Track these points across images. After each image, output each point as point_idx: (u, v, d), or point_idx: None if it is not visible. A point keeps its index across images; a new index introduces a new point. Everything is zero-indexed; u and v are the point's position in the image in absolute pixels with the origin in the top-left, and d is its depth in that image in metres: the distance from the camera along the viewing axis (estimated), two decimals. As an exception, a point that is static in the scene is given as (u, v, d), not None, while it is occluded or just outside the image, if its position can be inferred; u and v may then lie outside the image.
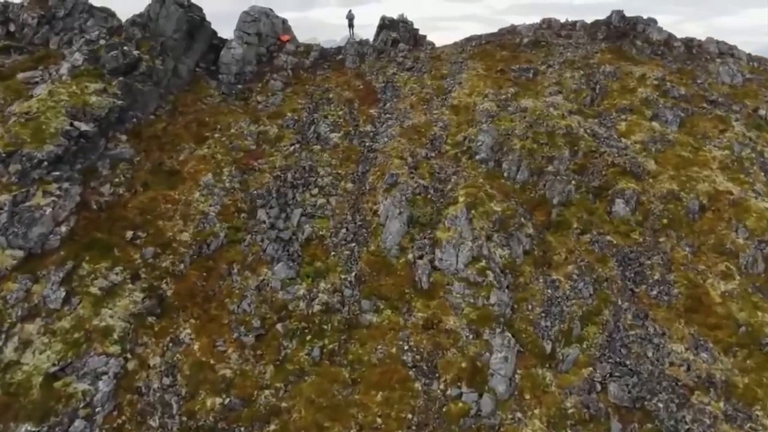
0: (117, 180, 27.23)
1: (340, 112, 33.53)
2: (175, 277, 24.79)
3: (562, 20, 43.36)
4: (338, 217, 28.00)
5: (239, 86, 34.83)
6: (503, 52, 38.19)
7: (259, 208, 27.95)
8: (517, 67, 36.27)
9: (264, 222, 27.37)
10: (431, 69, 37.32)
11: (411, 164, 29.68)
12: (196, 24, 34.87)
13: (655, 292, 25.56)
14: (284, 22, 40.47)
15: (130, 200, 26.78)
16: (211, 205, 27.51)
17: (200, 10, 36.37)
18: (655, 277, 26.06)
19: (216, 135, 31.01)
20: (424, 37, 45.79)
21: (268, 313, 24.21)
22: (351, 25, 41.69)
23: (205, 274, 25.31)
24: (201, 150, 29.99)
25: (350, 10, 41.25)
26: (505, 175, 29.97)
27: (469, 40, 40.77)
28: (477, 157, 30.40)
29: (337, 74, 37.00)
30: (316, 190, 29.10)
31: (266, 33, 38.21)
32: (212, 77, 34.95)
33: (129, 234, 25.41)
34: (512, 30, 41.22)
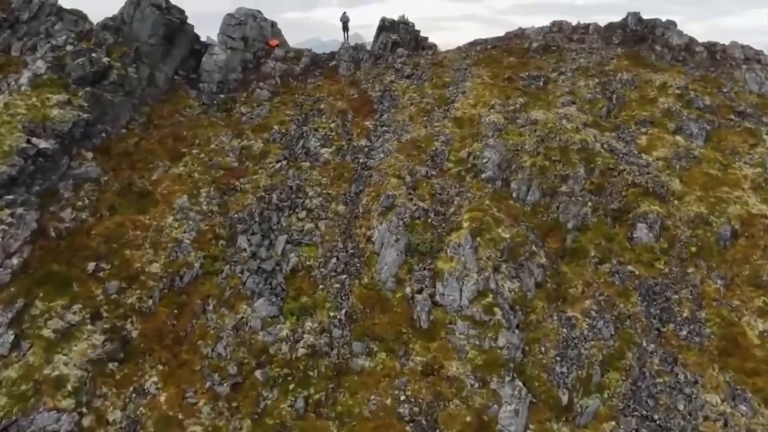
0: (80, 203, 24.88)
1: (332, 125, 31.16)
2: (141, 316, 22.41)
3: (574, 23, 41.00)
4: (328, 245, 25.59)
5: (222, 96, 32.50)
6: (510, 57, 35.82)
7: (239, 234, 25.55)
8: (526, 75, 33.89)
9: (245, 250, 24.98)
10: (432, 76, 34.97)
11: (409, 184, 27.28)
12: (175, 27, 32.54)
13: (684, 332, 23.11)
14: (273, 25, 38.17)
15: (94, 226, 24.41)
16: (185, 231, 25.13)
17: (181, 12, 34.07)
18: (684, 315, 23.61)
19: (194, 151, 28.66)
20: (426, 38, 44.93)
21: (246, 357, 21.78)
22: (345, 29, 39.35)
23: (176, 311, 22.92)
24: (176, 168, 27.63)
25: (345, 13, 38.92)
26: (514, 195, 27.58)
27: (473, 44, 38.42)
28: (483, 175, 28.02)
29: (330, 82, 34.64)
30: (303, 213, 26.70)
31: (253, 37, 35.90)
32: (192, 86, 32.62)
33: (91, 266, 23.05)
34: (520, 34, 38.86)
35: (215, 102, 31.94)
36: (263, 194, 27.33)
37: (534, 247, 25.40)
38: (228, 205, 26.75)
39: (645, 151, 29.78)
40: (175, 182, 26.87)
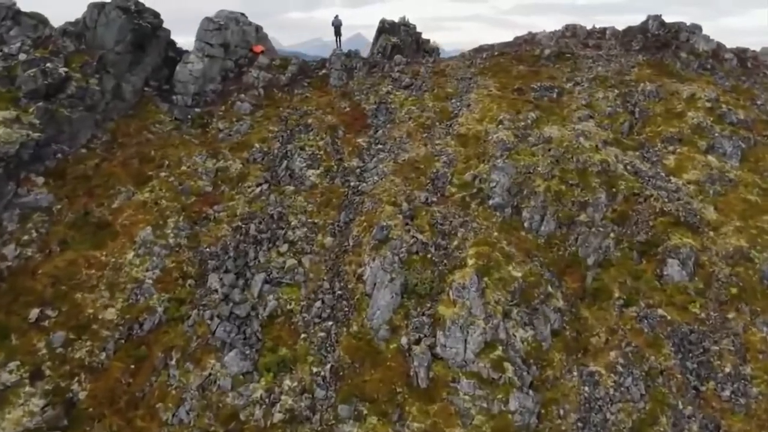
0: (26, 237, 22.08)
1: (321, 143, 28.33)
2: (91, 373, 19.59)
3: (588, 26, 38.22)
4: (312, 284, 22.72)
5: (197, 110, 29.72)
6: (520, 66, 32.97)
7: (210, 271, 22.74)
8: (538, 86, 31.02)
9: (216, 291, 22.16)
10: (433, 87, 32.14)
11: (407, 212, 24.39)
12: (146, 33, 29.77)
13: (727, 392, 20.17)
14: (258, 29, 35.38)
15: (41, 265, 21.60)
16: (148, 270, 22.32)
17: (155, 15, 31.34)
18: (726, 370, 20.67)
19: (162, 174, 25.84)
20: (428, 41, 43.86)
21: (212, 424, 18.92)
22: (338, 33, 36.56)
23: (132, 366, 20.09)
24: (141, 194, 24.82)
25: (336, 16, 36.13)
26: (526, 225, 24.70)
27: (478, 50, 35.61)
28: (490, 202, 25.15)
29: (319, 93, 31.83)
30: (285, 247, 23.83)
31: (235, 43, 33.11)
32: (164, 99, 29.84)
33: (34, 313, 20.26)
34: (530, 39, 36.04)
35: (189, 117, 29.13)
36: (240, 224, 24.48)
37: (550, 288, 22.51)
38: (199, 237, 23.91)
39: (674, 174, 26.89)
40: (138, 211, 24.04)
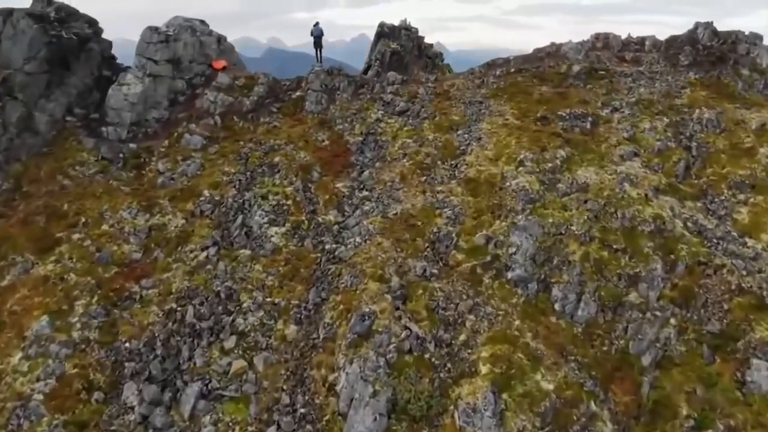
0: None
1: (289, 189, 22.94)
2: None
3: (623, 35, 32.81)
4: (266, 398, 17.26)
5: (132, 146, 24.38)
6: (543, 86, 27.53)
7: (127, 380, 17.32)
8: (566, 113, 25.54)
9: (132, 410, 16.63)
10: (435, 113, 26.74)
11: (397, 291, 18.94)
12: (71, 47, 24.51)
13: None
14: (221, 39, 30.06)
15: None
16: (39, 380, 16.88)
17: (90, 22, 26.16)
18: None
19: (75, 236, 20.48)
20: (431, 45, 41.75)
21: None
22: (318, 45, 31.11)
23: None
24: (43, 265, 19.47)
25: (317, 24, 30.68)
26: (558, 308, 19.20)
27: (491, 66, 30.21)
28: (509, 274, 19.71)
29: (291, 122, 26.46)
30: (232, 341, 18.40)
31: (189, 58, 27.79)
32: (92, 131, 24.56)
33: None
34: (554, 51, 30.60)
35: (121, 155, 23.80)
36: (174, 306, 19.08)
37: (593, 405, 16.94)
38: (116, 327, 18.52)
39: (749, 233, 21.37)
40: (36, 290, 18.65)
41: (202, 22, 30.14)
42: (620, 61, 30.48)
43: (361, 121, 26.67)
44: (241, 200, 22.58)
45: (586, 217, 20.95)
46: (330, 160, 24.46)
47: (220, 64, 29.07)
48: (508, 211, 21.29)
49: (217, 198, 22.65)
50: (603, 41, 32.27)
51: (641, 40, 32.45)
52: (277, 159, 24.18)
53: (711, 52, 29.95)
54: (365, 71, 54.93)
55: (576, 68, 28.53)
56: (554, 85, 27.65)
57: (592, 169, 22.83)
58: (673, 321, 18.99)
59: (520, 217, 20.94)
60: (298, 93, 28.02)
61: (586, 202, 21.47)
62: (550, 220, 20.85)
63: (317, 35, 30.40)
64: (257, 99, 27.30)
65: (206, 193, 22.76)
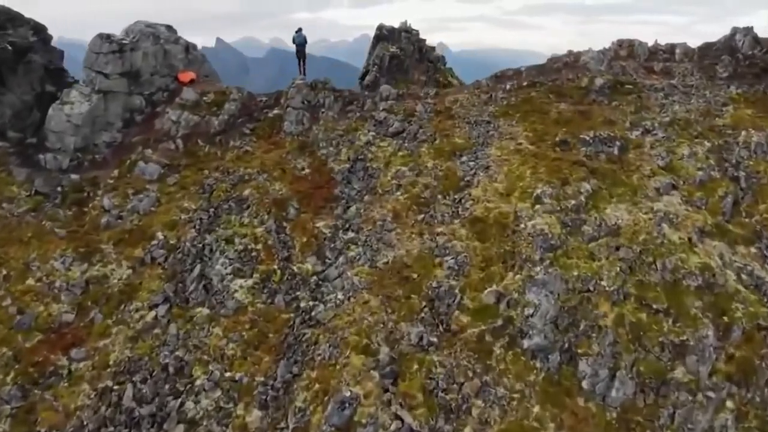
0: None
1: (259, 230, 19.54)
2: None
3: (650, 42, 29.35)
4: None
5: (74, 176, 20.92)
6: (561, 103, 24.10)
7: (40, 488, 13.68)
8: (590, 136, 22.07)
9: None
10: (435, 134, 23.33)
11: (386, 366, 15.54)
12: (6, 59, 20.96)
13: None
14: (190, 48, 26.70)
15: None
16: (-75, 491, 13.34)
17: (36, 29, 22.75)
18: None
19: (-8, 293, 16.88)
20: (432, 48, 39.75)
21: None
22: (301, 55, 27.66)
23: None
24: (-52, 333, 15.86)
25: (299, 31, 27.23)
26: (587, 387, 15.81)
27: (500, 78, 26.80)
28: (525, 343, 16.36)
29: (267, 145, 23.07)
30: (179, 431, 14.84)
31: (150, 70, 24.46)
32: (26, 160, 21.18)
33: None
34: (572, 61, 27.16)
35: (60, 188, 20.42)
36: (110, 385, 15.59)
37: None
38: (35, 413, 14.95)
39: (817, 287, 17.78)
40: (-66, 368, 15.11)
41: (169, 27, 26.80)
42: (648, 73, 27.03)
43: (348, 145, 23.25)
44: (200, 245, 19.15)
45: (618, 269, 17.51)
46: (310, 193, 21.03)
47: (188, 76, 25.70)
48: (524, 260, 17.82)
49: (172, 241, 19.23)
50: (627, 49, 28.83)
51: (670, 48, 29.00)
52: (246, 192, 20.75)
53: (753, 63, 26.48)
54: (363, 76, 51.65)
55: (599, 81, 25.05)
56: (574, 102, 24.18)
57: (624, 207, 19.36)
58: (729, 404, 15.60)
59: (538, 268, 17.49)
60: (275, 111, 24.60)
61: (617, 249, 18.02)
62: (575, 273, 17.39)
63: (299, 43, 26.90)
64: (228, 118, 23.88)
65: (160, 235, 19.35)
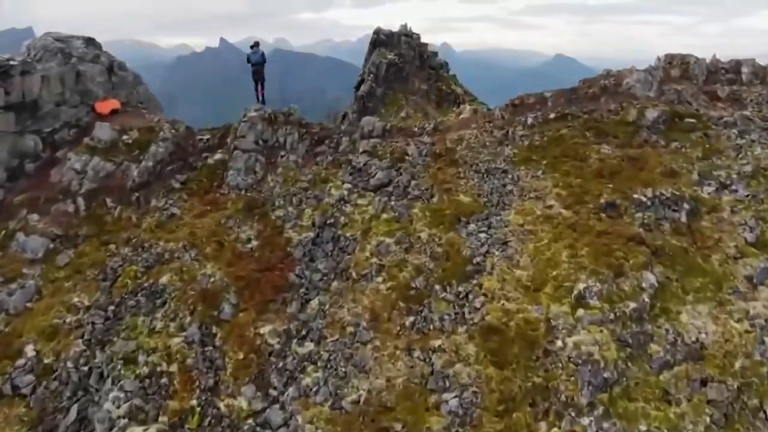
0: None
1: (175, 340, 14.03)
2: None
3: (707, 58, 23.70)
4: None
5: None
6: (603, 144, 18.43)
7: None
8: (647, 196, 16.44)
9: None
10: (432, 188, 17.77)
11: None
12: None
13: None
14: (116, 67, 21.08)
15: None
16: None
17: None
18: None
19: None
20: (435, 54, 38.27)
21: None
22: (258, 78, 21.68)
23: None
24: None
25: (255, 46, 21.32)
26: None
27: (517, 108, 21.13)
28: None
29: (202, 205, 17.43)
30: None
31: (54, 99, 18.88)
32: None
33: None
34: (612, 85, 21.42)
35: None
36: None
37: None
38: None
39: None
40: None
41: (89, 41, 21.27)
42: (711, 100, 21.36)
43: (314, 203, 17.59)
44: (86, 366, 13.46)
45: (708, 420, 11.76)
46: (256, 279, 15.35)
47: (108, 106, 20.14)
48: (563, 403, 12.10)
49: (47, 360, 13.60)
50: (680, 68, 23.13)
51: (735, 66, 23.34)
52: (164, 279, 15.10)
53: None
54: (358, 86, 46.26)
55: (651, 114, 19.33)
56: (621, 144, 18.46)
57: (705, 310, 13.69)
58: None
59: (585, 419, 11.75)
60: (218, 155, 18.90)
61: (703, 383, 12.36)
62: (643, 429, 11.62)
63: (256, 62, 21.07)
64: (153, 166, 18.20)
65: (30, 350, 13.70)
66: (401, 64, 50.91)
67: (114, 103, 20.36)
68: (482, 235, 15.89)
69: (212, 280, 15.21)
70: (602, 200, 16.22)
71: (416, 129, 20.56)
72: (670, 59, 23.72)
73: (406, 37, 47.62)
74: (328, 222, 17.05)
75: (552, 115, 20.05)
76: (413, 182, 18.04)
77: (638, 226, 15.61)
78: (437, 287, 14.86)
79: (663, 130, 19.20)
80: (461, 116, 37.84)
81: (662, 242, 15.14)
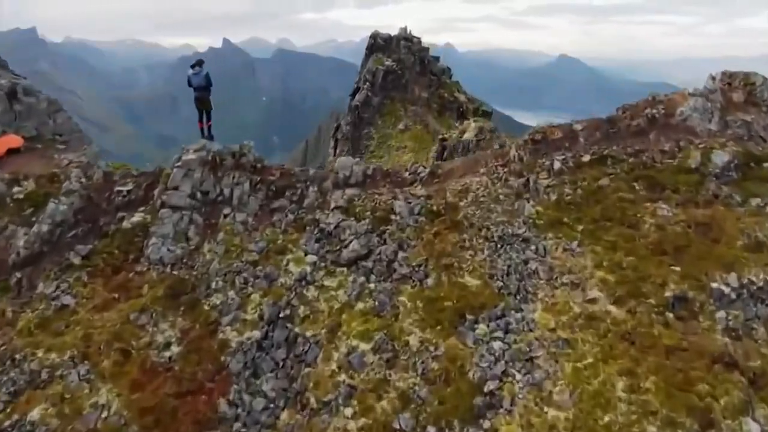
0: None
1: None
2: None
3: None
4: None
5: None
6: (659, 202, 13.93)
7: None
8: (730, 286, 11.74)
9: None
10: (425, 264, 13.23)
11: None
12: None
13: None
14: (21, 92, 16.68)
15: None
16: None
17: None
18: None
19: None
20: (437, 59, 39.00)
21: None
22: (202, 106, 17.00)
23: None
24: None
25: (197, 65, 16.67)
26: None
27: (538, 145, 16.51)
28: None
29: (107, 292, 12.88)
30: None
31: None
32: None
33: None
34: (663, 115, 16.79)
35: None
36: None
37: None
38: None
39: None
40: None
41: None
42: (789, 135, 16.74)
43: (264, 285, 13.04)
44: None
45: None
46: (170, 412, 10.81)
47: (3, 145, 15.55)
48: None
49: None
50: (742, 90, 18.49)
51: (812, 87, 18.66)
52: (35, 414, 10.54)
53: None
54: (353, 94, 42.07)
55: (720, 158, 14.76)
56: (682, 200, 13.89)
57: (841, 484, 9.04)
58: None
59: None
60: (139, 214, 14.28)
61: None
62: None
63: (199, 86, 16.49)
64: (49, 231, 13.61)
65: None
66: (400, 70, 46.68)
67: (13, 140, 15.89)
68: (497, 344, 11.32)
69: (105, 415, 10.66)
70: (667, 292, 11.65)
71: (407, 174, 15.97)
72: (729, 79, 19.08)
73: (406, 41, 43.39)
74: (282, 315, 12.49)
75: (586, 158, 15.45)
76: (401, 254, 13.48)
77: (721, 332, 11.05)
78: (431, 430, 10.30)
79: (734, 177, 14.66)
80: (464, 134, 33.78)
81: (759, 362, 10.56)
